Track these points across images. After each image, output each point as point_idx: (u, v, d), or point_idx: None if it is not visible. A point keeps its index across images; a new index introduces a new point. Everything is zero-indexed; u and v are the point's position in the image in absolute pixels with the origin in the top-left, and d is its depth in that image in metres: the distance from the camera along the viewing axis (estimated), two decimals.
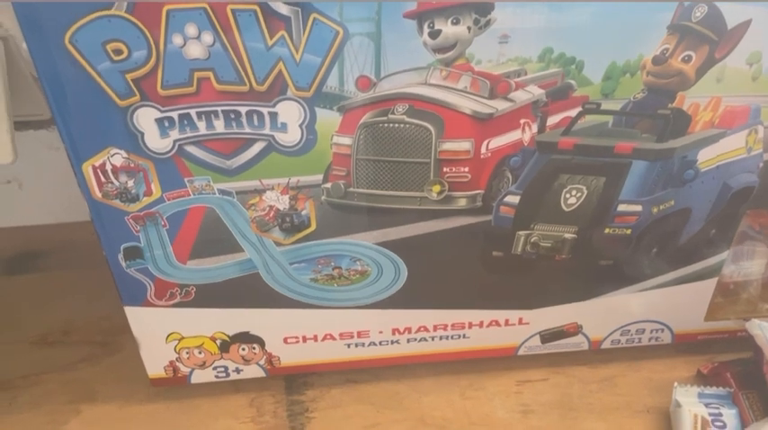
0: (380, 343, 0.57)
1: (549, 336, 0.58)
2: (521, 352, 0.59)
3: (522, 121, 0.44)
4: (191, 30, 0.38)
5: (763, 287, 0.58)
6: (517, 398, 0.58)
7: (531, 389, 0.59)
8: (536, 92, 0.43)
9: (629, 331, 0.59)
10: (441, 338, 0.57)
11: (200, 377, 0.58)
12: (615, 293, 0.55)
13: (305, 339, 0.56)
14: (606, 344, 0.60)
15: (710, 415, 0.53)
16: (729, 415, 0.53)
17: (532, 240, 0.50)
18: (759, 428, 0.51)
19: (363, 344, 0.57)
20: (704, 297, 0.57)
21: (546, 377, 0.60)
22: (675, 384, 0.56)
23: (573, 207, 0.49)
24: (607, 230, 0.50)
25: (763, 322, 0.56)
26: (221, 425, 0.56)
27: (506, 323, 0.56)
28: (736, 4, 0.40)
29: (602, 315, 0.57)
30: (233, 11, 0.37)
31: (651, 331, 0.59)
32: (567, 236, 0.50)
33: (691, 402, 0.54)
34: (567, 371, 0.61)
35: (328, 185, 0.46)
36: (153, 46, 0.38)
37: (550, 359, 0.60)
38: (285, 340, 0.56)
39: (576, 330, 0.58)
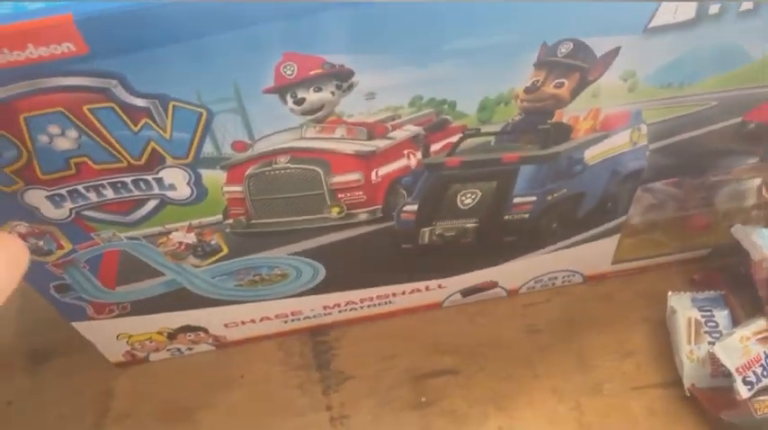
0: (314, 316, 0.62)
1: (468, 292, 0.63)
2: (445, 305, 0.65)
3: (405, 151, 0.45)
4: (54, 129, 0.38)
5: (670, 227, 0.62)
6: (523, 319, 0.64)
7: (536, 311, 0.64)
8: (414, 129, 0.43)
9: (543, 279, 0.64)
10: (369, 307, 0.62)
11: (157, 357, 0.64)
12: (523, 258, 0.59)
13: (243, 323, 0.61)
14: (522, 291, 0.65)
15: (703, 317, 0.58)
16: (721, 315, 0.58)
17: (437, 233, 0.53)
18: (748, 325, 0.55)
19: (299, 319, 0.62)
20: (609, 249, 0.61)
21: (548, 298, 0.65)
22: (669, 293, 0.60)
23: (470, 206, 0.51)
24: (507, 217, 0.53)
25: (747, 227, 0.60)
26: (257, 369, 0.63)
27: (427, 289, 0.61)
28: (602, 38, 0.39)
29: (514, 272, 0.61)
30: (90, 109, 0.37)
31: (563, 277, 0.64)
32: (469, 225, 0.53)
33: (685, 307, 0.59)
34: (568, 291, 0.65)
35: (230, 221, 0.48)
36: (20, 145, 0.39)
37: None
38: (226, 325, 0.61)
39: (492, 286, 0.63)
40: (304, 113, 0.40)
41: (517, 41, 0.38)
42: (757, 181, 0.59)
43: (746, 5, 0.39)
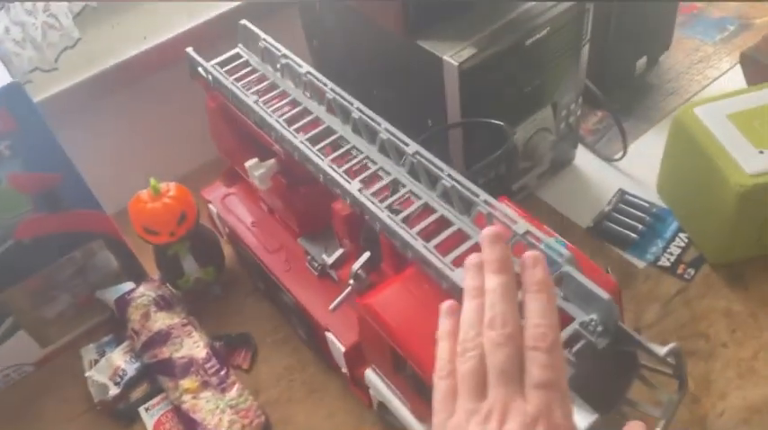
0: None
1: None
2: None
3: None
4: None
5: (66, 311, 0.94)
6: None
7: None
8: None
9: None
10: None
11: None
12: None
13: None
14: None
15: (99, 355, 0.91)
16: (111, 351, 0.91)
17: None
18: (116, 350, 0.90)
19: None
20: (26, 342, 0.90)
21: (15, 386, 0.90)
22: (81, 349, 0.92)
23: None
24: None
25: (103, 290, 0.93)
26: None
27: None
28: None
29: None
30: None
31: (13, 371, 0.92)
32: None
33: (89, 354, 0.91)
34: (28, 378, 0.92)
35: None
36: None
37: None
38: None
39: None
40: None
41: None
42: (113, 259, 0.94)
43: None
